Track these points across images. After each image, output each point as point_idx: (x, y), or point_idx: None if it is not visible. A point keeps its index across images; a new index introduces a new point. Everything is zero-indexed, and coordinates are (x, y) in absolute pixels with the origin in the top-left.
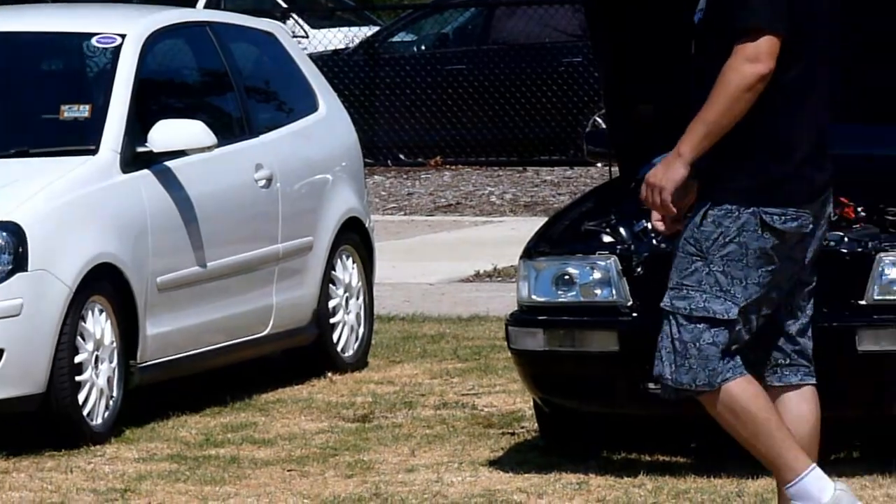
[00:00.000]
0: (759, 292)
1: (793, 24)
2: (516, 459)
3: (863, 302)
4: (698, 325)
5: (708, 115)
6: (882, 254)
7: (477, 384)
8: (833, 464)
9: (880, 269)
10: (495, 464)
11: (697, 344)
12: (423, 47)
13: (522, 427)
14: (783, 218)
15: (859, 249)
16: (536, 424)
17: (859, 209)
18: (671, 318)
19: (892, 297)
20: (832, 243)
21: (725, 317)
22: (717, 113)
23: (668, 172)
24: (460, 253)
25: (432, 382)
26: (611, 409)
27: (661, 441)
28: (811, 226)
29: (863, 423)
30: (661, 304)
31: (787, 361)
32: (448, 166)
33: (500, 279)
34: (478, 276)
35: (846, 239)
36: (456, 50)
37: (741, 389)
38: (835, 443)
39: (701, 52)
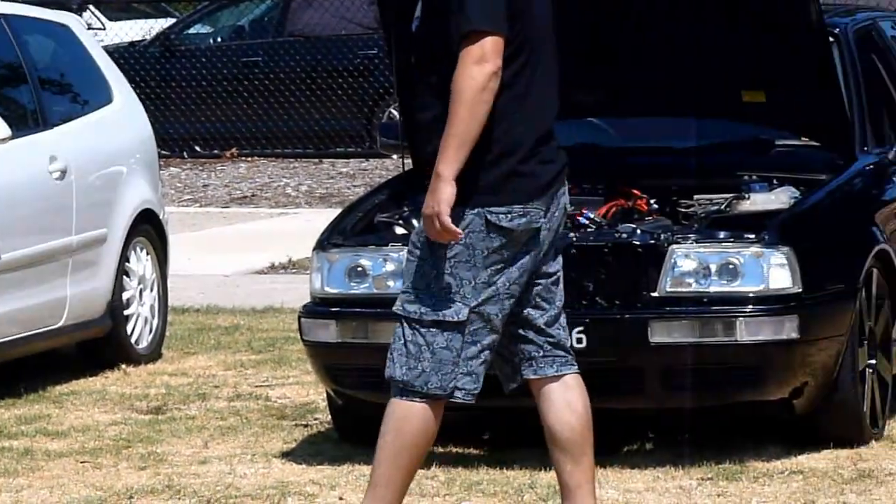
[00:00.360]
0: (491, 292)
1: (510, 22)
2: (309, 451)
3: (655, 294)
4: (431, 330)
5: (454, 127)
6: (674, 246)
7: (271, 376)
8: (626, 456)
9: (672, 261)
10: (288, 455)
11: (431, 348)
12: (219, 39)
13: (316, 419)
14: (510, 216)
15: (652, 241)
16: (329, 416)
17: (652, 201)
18: (403, 322)
19: (683, 290)
20: (624, 235)
21: (455, 318)
22: (462, 123)
23: (436, 196)
24: (255, 245)
25: (226, 374)
26: None
27: (454, 432)
28: (542, 219)
29: (655, 415)
30: (393, 309)
31: (541, 353)
32: (244, 158)
33: (295, 271)
34: (273, 268)
35: (639, 231)
36: (252, 42)
37: (423, 418)
38: (627, 435)
39: (420, 59)
